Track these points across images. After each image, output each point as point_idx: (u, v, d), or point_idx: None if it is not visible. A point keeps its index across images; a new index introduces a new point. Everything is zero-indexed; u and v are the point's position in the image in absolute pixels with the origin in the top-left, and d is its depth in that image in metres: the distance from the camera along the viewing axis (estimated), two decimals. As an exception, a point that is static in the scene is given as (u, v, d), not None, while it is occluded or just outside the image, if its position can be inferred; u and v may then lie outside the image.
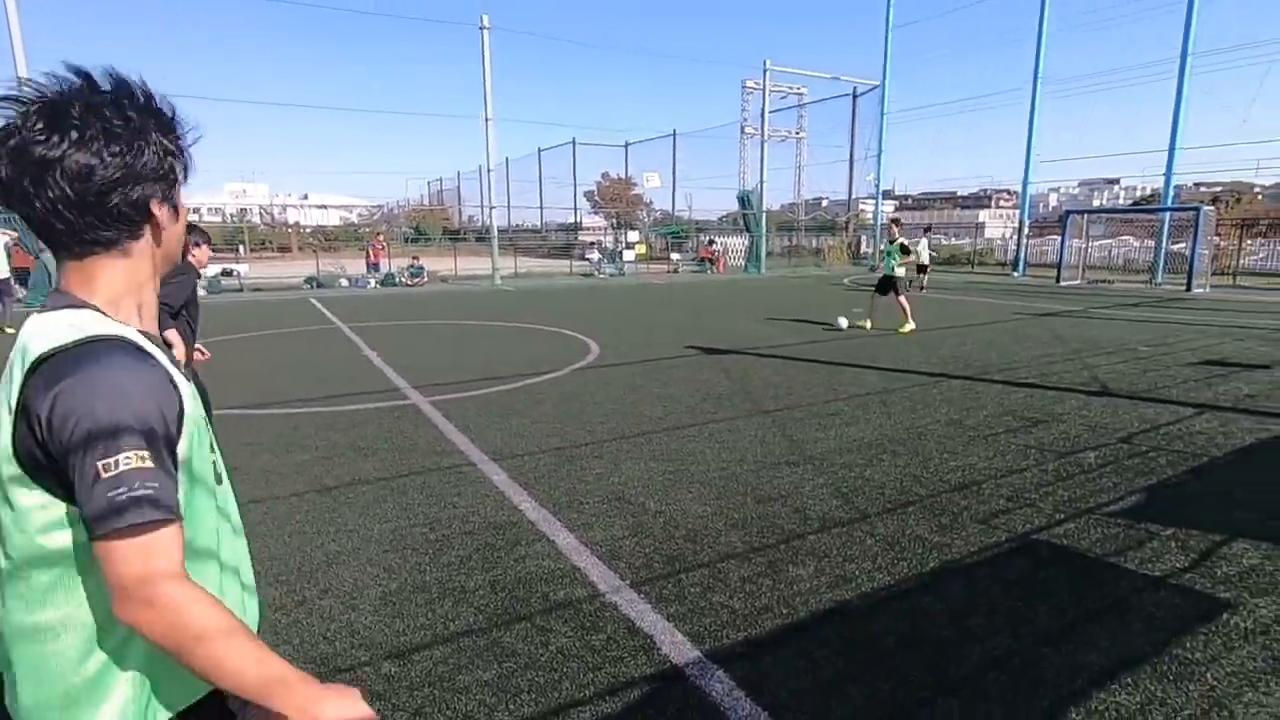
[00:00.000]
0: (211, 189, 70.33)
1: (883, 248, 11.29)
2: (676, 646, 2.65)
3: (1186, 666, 2.51)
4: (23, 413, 0.84)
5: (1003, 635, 2.70)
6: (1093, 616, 2.84)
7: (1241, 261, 22.26)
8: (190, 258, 4.38)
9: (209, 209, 65.45)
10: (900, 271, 11.27)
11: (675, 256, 30.68)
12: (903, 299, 11.07)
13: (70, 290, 0.93)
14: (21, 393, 0.84)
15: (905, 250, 11.41)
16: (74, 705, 0.90)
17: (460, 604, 2.96)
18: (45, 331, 0.88)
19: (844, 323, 11.17)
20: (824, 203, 44.40)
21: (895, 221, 12.59)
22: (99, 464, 0.82)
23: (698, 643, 2.67)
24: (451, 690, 2.42)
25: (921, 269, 18.25)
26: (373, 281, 22.11)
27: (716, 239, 32.36)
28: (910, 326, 10.83)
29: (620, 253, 28.47)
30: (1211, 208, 21.27)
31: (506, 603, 2.97)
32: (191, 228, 4.48)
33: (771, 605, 2.94)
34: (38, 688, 0.91)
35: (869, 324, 11.19)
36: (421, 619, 2.85)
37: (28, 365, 0.85)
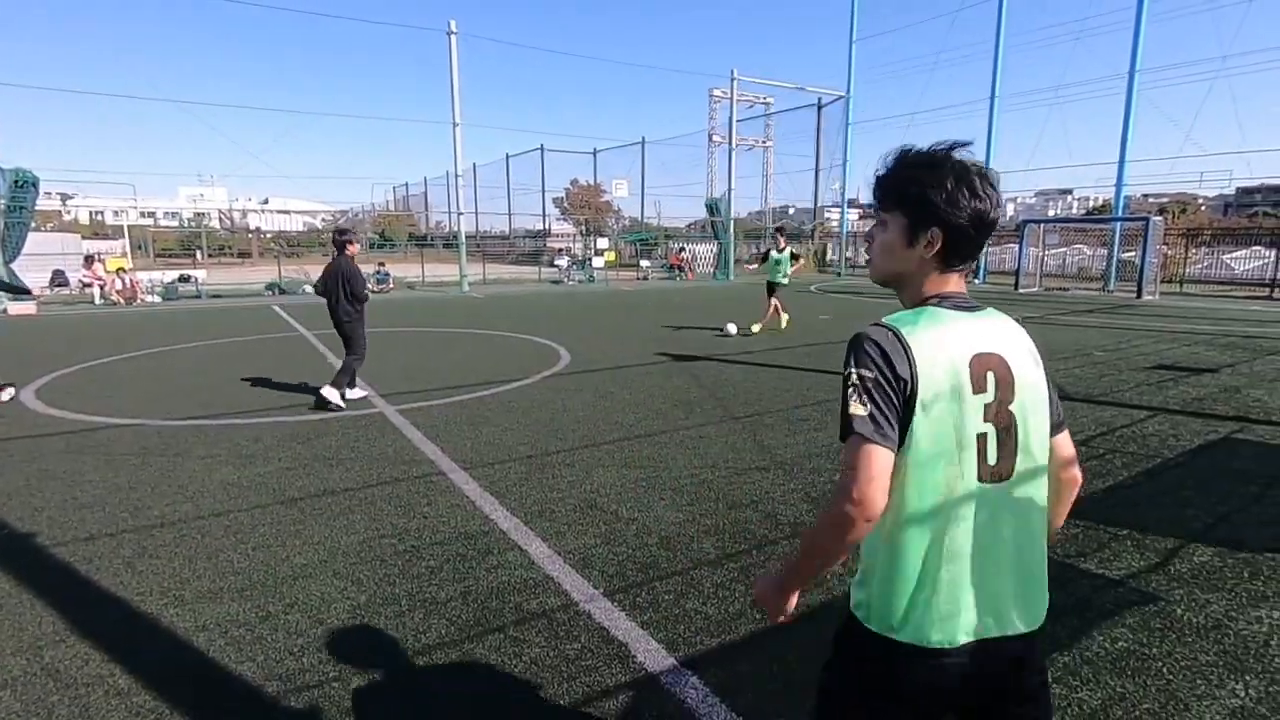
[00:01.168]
0: (167, 193, 68.38)
1: (774, 254, 11.62)
2: (651, 654, 2.65)
3: (1145, 662, 2.59)
4: (1042, 365, 1.31)
5: (970, 635, 2.76)
6: (1055, 616, 2.90)
7: (1187, 270, 23.17)
8: (346, 254, 6.76)
9: (164, 213, 63.57)
10: (784, 280, 11.68)
11: (644, 263, 30.78)
12: (775, 303, 11.61)
13: (964, 293, 1.31)
14: (1038, 352, 1.31)
15: (795, 257, 11.90)
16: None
17: (431, 616, 2.91)
18: (1005, 316, 1.31)
19: (733, 329, 11.22)
20: (791, 211, 45.04)
21: (780, 230, 13.00)
22: None
23: (672, 650, 2.67)
24: (424, 704, 2.38)
25: None
26: (337, 288, 21.68)
27: (685, 246, 32.55)
28: (758, 328, 11.42)
29: (589, 259, 28.46)
30: (1160, 218, 22.12)
31: (479, 614, 2.93)
32: (347, 230, 7.07)
33: (745, 610, 2.96)
34: (1039, 551, 1.29)
35: (784, 323, 11.56)
36: (392, 632, 2.80)
37: (1027, 335, 1.31)
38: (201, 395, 7.08)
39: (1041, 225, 25.81)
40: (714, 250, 31.05)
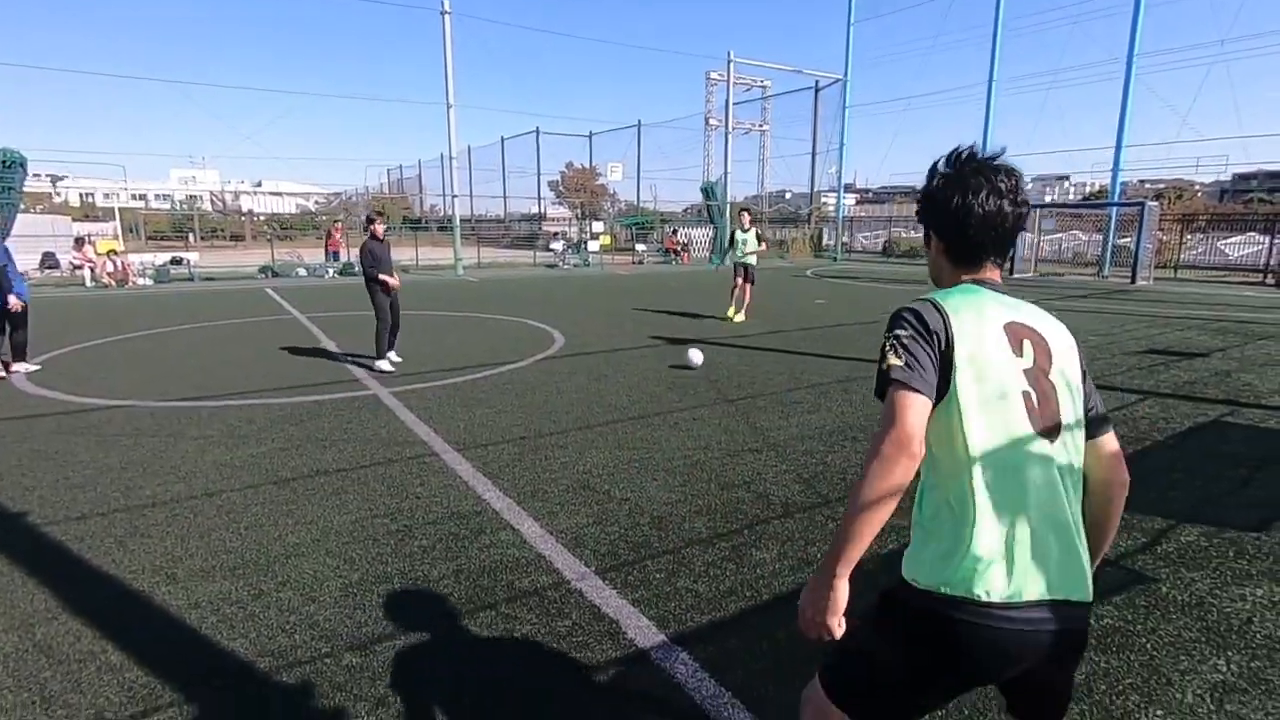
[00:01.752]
0: (158, 175, 67.71)
1: (739, 237, 11.30)
2: (641, 631, 2.67)
3: (1128, 638, 2.63)
4: (1078, 355, 1.36)
5: (957, 613, 2.78)
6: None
7: (1181, 256, 23.20)
8: (370, 232, 7.55)
9: (156, 195, 62.99)
10: (753, 259, 11.37)
11: (640, 247, 30.63)
12: (748, 285, 11.31)
13: (998, 281, 1.40)
14: (1075, 343, 1.38)
15: (760, 240, 11.66)
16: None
17: (424, 593, 2.93)
18: (1049, 314, 1.38)
19: (697, 359, 7.57)
20: (787, 195, 44.85)
21: (746, 210, 12.59)
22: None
23: (662, 626, 2.69)
24: (415, 680, 2.40)
25: None
26: (331, 271, 21.60)
27: (680, 230, 32.42)
28: (741, 317, 11.12)
29: (585, 243, 28.33)
30: (1156, 203, 22.11)
31: (471, 591, 2.95)
32: (378, 214, 7.91)
33: (735, 588, 2.98)
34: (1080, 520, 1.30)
35: (744, 316, 11.21)
36: (384, 609, 2.81)
37: (1065, 327, 1.39)
38: (194, 377, 7.06)
39: (1038, 210, 25.75)
40: (710, 234, 30.94)
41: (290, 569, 3.14)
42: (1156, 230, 20.96)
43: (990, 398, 1.24)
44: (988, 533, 1.21)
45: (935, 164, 1.38)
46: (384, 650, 2.55)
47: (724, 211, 28.43)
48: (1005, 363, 1.26)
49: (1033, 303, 1.39)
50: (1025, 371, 1.27)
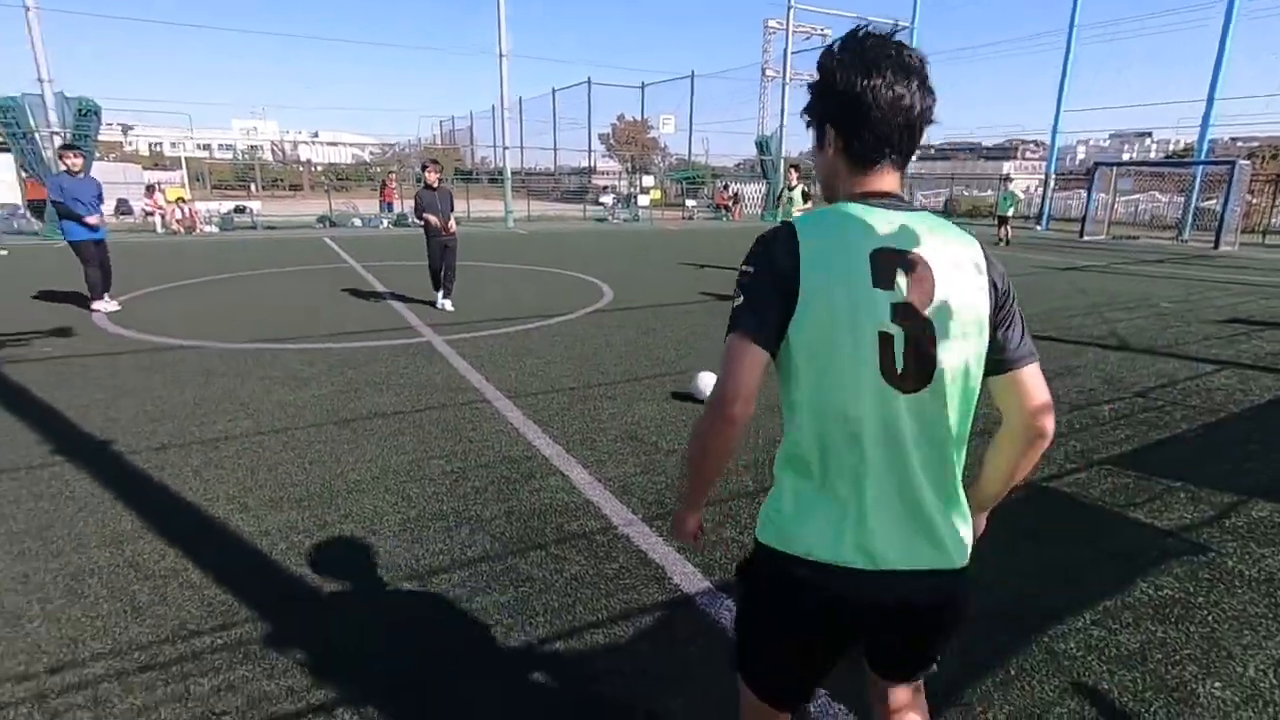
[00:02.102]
0: (221, 125, 69.46)
1: (786, 195, 10.70)
2: (687, 577, 2.72)
3: (1189, 610, 2.55)
4: (990, 281, 1.16)
5: (1011, 578, 2.74)
6: (1100, 562, 2.88)
7: (1272, 220, 21.62)
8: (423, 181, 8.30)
9: (219, 145, 64.72)
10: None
11: (690, 203, 30.16)
12: None
13: (900, 194, 1.19)
14: (989, 268, 1.17)
15: (806, 197, 11.11)
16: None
17: (477, 532, 3.04)
18: (951, 225, 1.19)
19: (705, 385, 5.55)
20: (845, 150, 43.22)
21: (795, 167, 11.97)
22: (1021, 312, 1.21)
23: (708, 574, 2.74)
24: (469, 611, 2.51)
25: (1003, 221, 17.54)
26: (385, 222, 21.98)
27: (730, 185, 31.74)
28: None
29: (635, 197, 28.03)
30: (1247, 162, 20.54)
31: (522, 531, 3.05)
32: (432, 162, 8.46)
33: (781, 541, 2.99)
34: (950, 480, 1.17)
35: None
36: (440, 544, 2.93)
37: (977, 248, 1.17)
38: (258, 321, 7.34)
39: (1114, 169, 24.27)
40: (762, 190, 30.20)
41: (352, 504, 3.29)
42: (1246, 192, 19.55)
43: (837, 342, 1.08)
44: (820, 491, 1.14)
45: (830, 46, 1.16)
46: (439, 582, 2.67)
47: (778, 167, 27.66)
48: (863, 300, 1.08)
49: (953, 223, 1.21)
50: (894, 306, 1.08)
